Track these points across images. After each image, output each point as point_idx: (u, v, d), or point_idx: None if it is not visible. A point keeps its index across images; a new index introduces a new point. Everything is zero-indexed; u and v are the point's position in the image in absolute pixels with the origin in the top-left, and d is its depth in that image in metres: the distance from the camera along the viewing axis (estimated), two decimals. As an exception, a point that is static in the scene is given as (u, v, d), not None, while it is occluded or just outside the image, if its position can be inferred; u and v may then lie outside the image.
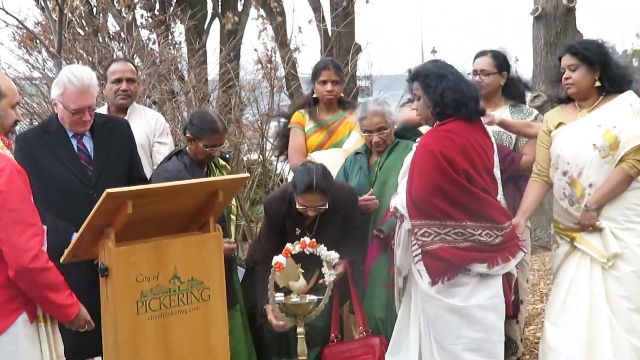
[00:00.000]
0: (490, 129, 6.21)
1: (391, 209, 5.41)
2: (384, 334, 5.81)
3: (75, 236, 4.86)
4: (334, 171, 6.23)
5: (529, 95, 6.81)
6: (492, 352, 5.22)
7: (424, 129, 6.04)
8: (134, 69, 6.83)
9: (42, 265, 4.08)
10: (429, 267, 5.09)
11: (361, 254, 5.96)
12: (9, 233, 4.01)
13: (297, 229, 5.98)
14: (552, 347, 5.45)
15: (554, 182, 5.64)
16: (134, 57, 10.55)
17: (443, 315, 5.14)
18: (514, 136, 6.41)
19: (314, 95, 6.77)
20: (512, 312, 6.11)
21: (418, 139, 5.60)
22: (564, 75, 5.55)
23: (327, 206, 5.79)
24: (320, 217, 5.87)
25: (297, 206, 5.82)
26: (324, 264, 5.69)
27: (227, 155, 6.51)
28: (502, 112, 6.52)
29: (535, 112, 6.59)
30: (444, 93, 5.18)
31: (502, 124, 6.16)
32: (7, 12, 10.45)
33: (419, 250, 5.15)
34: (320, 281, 5.81)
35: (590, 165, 5.39)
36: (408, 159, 5.33)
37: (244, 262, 6.61)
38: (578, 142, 5.46)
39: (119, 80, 6.64)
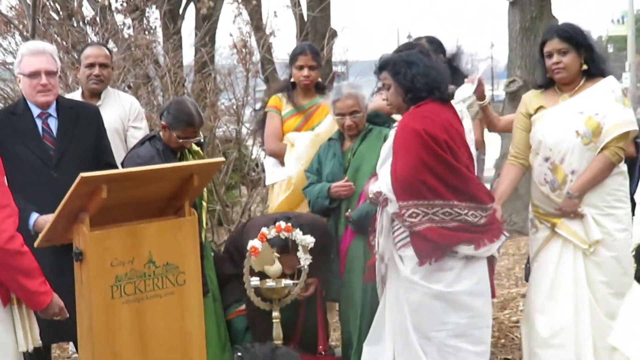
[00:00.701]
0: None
1: (370, 195, 5.39)
2: (359, 332, 5.82)
3: (36, 217, 4.88)
4: (309, 153, 6.26)
5: (503, 80, 6.82)
6: (478, 337, 5.22)
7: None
8: (108, 53, 6.80)
9: (16, 247, 4.05)
10: (417, 247, 5.07)
11: (329, 271, 5.99)
12: None
13: None
14: (543, 336, 5.45)
15: (534, 167, 5.65)
16: (109, 41, 10.50)
17: (427, 302, 5.11)
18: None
19: (292, 80, 6.76)
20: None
21: (393, 125, 5.62)
22: (553, 60, 5.52)
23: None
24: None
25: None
26: (300, 248, 5.68)
27: (201, 140, 6.48)
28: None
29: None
30: (415, 78, 5.17)
31: (486, 110, 6.19)
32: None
33: (403, 235, 5.15)
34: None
35: (572, 152, 5.42)
36: (387, 145, 5.31)
37: (219, 247, 6.61)
38: (560, 128, 5.47)
39: (91, 65, 6.61)
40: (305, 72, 6.64)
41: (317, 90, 6.80)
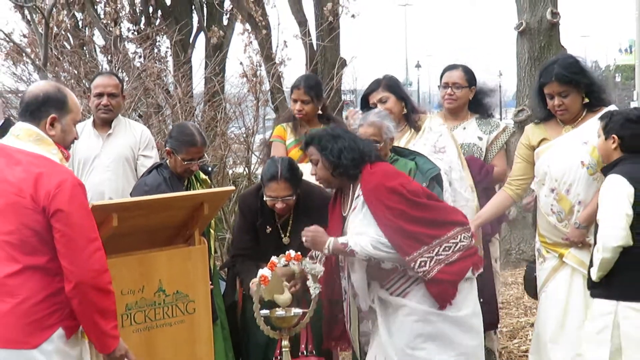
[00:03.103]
0: (460, 140, 6.33)
1: (327, 250, 5.35)
2: None
3: None
4: None
5: (512, 110, 6.87)
6: (481, 356, 5.26)
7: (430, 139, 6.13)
8: (117, 82, 6.83)
9: (104, 285, 4.06)
10: (435, 293, 5.07)
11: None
12: (71, 248, 3.98)
13: (268, 227, 6.00)
14: None
15: (540, 197, 5.67)
16: (120, 71, 10.56)
17: (442, 329, 5.10)
18: (483, 148, 6.52)
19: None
20: (492, 322, 6.20)
21: (416, 158, 5.66)
22: (555, 103, 5.54)
23: (294, 198, 5.80)
24: (293, 217, 5.88)
25: (265, 199, 5.83)
26: (309, 277, 5.68)
27: (210, 169, 6.51)
28: (469, 125, 6.63)
29: (502, 124, 6.73)
30: (342, 153, 5.17)
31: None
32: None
33: (405, 286, 5.14)
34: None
35: (578, 183, 5.45)
36: (361, 210, 5.26)
37: (226, 275, 6.62)
38: (565, 159, 5.49)
39: (100, 95, 6.66)
40: (298, 106, 6.68)
41: (321, 120, 6.82)
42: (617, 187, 4.97)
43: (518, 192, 5.82)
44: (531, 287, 6.03)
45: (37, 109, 4.19)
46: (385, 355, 5.18)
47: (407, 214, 5.01)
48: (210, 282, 5.63)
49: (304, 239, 5.39)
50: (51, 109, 4.20)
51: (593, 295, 5.10)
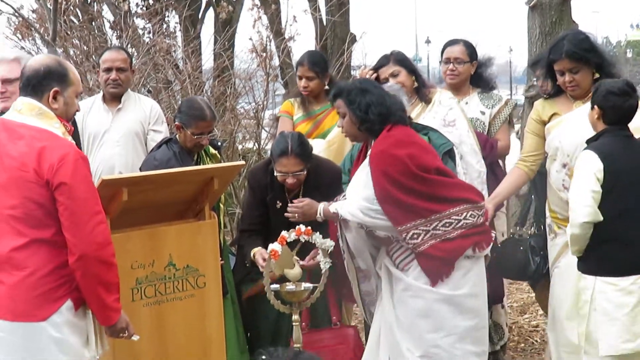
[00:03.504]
0: (466, 114, 6.30)
1: (320, 215, 5.33)
2: None
3: None
4: None
5: (523, 86, 6.85)
6: (480, 338, 5.20)
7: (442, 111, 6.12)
8: (126, 57, 6.82)
9: (107, 257, 4.08)
10: (425, 268, 5.03)
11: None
12: (74, 221, 3.99)
13: (278, 202, 5.99)
14: (574, 342, 5.40)
15: (551, 173, 5.64)
16: (129, 46, 10.54)
17: (435, 307, 5.04)
18: (486, 123, 6.52)
19: None
20: (498, 295, 6.19)
21: (429, 133, 5.63)
22: (566, 79, 5.51)
23: (304, 172, 5.79)
24: (303, 192, 5.86)
25: (275, 174, 5.83)
26: (320, 252, 5.68)
27: (219, 144, 6.50)
28: (471, 100, 6.62)
29: (505, 98, 6.70)
30: (369, 108, 5.13)
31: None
32: (2, 0, 10.46)
33: (404, 255, 5.11)
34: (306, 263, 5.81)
35: None
36: (364, 171, 5.23)
37: (235, 250, 6.62)
38: (577, 134, 5.45)
39: (109, 70, 6.67)
40: (303, 82, 6.65)
41: (328, 95, 6.80)
42: (587, 164, 4.96)
43: (533, 168, 5.78)
44: (507, 269, 6.02)
45: (39, 83, 4.19)
46: (389, 325, 5.16)
47: (406, 186, 4.96)
48: (221, 257, 5.64)
49: (290, 216, 5.39)
50: (53, 83, 4.21)
51: (578, 269, 5.11)
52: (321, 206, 5.24)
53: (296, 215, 5.38)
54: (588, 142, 5.11)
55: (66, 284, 4.08)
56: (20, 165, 4.02)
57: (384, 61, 6.38)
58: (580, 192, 4.95)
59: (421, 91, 6.30)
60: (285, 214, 5.48)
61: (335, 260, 5.57)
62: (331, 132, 6.57)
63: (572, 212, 4.98)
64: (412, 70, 6.32)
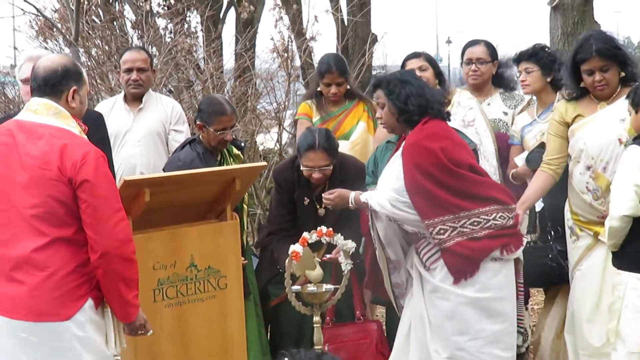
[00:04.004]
0: (487, 116, 6.29)
1: (352, 204, 5.32)
2: None
3: None
4: None
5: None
6: (509, 342, 5.15)
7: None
8: (147, 57, 6.82)
9: (128, 254, 4.10)
10: (449, 265, 5.00)
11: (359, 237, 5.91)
12: (97, 218, 4.02)
13: (305, 199, 5.99)
14: (595, 345, 5.39)
15: (574, 175, 5.60)
16: (150, 46, 10.56)
17: (461, 310, 4.99)
18: (509, 123, 6.50)
19: (319, 89, 6.78)
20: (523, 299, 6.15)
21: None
22: (596, 78, 5.45)
23: (331, 167, 5.80)
24: (329, 188, 5.85)
25: (302, 169, 5.82)
26: (341, 253, 5.68)
27: (242, 144, 6.50)
28: (493, 100, 6.60)
29: (527, 97, 6.66)
30: (408, 99, 5.10)
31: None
32: (25, 0, 10.48)
33: (432, 252, 5.08)
34: (324, 258, 5.80)
35: (616, 160, 5.34)
36: (396, 162, 5.21)
37: (259, 252, 6.62)
38: (602, 136, 5.42)
39: (129, 70, 6.66)
40: (333, 89, 6.64)
41: (346, 95, 6.79)
42: (632, 157, 4.94)
43: (558, 171, 5.72)
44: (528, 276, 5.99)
45: (58, 83, 4.22)
46: (421, 322, 5.13)
47: (437, 179, 4.93)
48: (243, 258, 5.63)
49: (328, 206, 5.39)
50: (71, 82, 4.24)
51: (613, 264, 5.07)
52: (352, 195, 5.24)
53: (331, 197, 5.37)
54: (635, 139, 5.09)
55: (87, 282, 4.09)
56: (43, 164, 4.04)
57: (416, 55, 6.46)
58: (623, 186, 4.90)
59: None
60: (324, 196, 5.45)
61: (362, 258, 5.58)
62: (354, 133, 6.58)
63: (612, 204, 4.93)
64: (439, 73, 6.37)
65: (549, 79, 6.23)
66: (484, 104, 6.56)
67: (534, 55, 6.23)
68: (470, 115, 6.24)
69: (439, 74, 6.38)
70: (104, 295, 4.14)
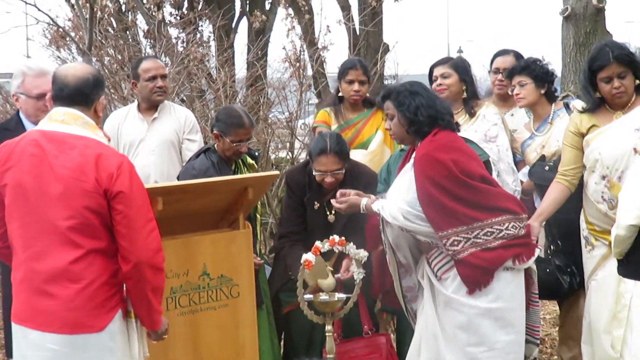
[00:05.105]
0: (510, 126, 6.31)
1: (364, 210, 5.32)
2: None
3: None
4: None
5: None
6: (520, 353, 5.14)
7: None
8: (164, 65, 6.87)
9: (159, 263, 4.13)
10: (463, 276, 4.99)
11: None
12: (131, 229, 4.03)
13: (316, 203, 6.00)
14: (613, 355, 5.37)
15: (589, 185, 5.59)
16: (163, 55, 10.59)
17: (476, 322, 4.97)
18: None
19: (340, 94, 6.77)
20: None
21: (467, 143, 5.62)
22: (615, 85, 5.45)
23: (342, 171, 5.83)
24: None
25: (314, 174, 5.84)
26: (353, 262, 5.69)
27: (256, 154, 6.52)
28: (518, 111, 6.63)
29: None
30: (418, 110, 5.08)
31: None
32: (39, 9, 10.52)
33: (443, 262, 5.07)
34: (342, 276, 5.80)
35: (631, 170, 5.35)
36: (408, 175, 5.20)
37: (271, 259, 6.63)
38: (617, 145, 5.42)
39: (154, 78, 6.68)
40: (356, 86, 6.62)
41: (365, 104, 6.79)
42: None
43: (574, 182, 5.70)
44: None
45: (91, 92, 4.23)
46: (432, 335, 5.13)
47: (449, 190, 4.91)
48: (256, 257, 5.66)
49: (337, 206, 5.38)
50: (100, 91, 4.28)
51: (618, 272, 5.06)
52: (365, 201, 5.23)
53: (342, 206, 5.37)
54: None
55: (118, 293, 4.13)
56: (78, 175, 4.02)
57: (443, 61, 6.52)
58: (631, 195, 4.85)
59: (469, 103, 6.33)
60: (333, 202, 5.45)
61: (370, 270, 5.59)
62: (372, 142, 6.58)
63: (620, 213, 4.88)
64: (464, 78, 6.35)
65: (543, 91, 6.24)
66: (507, 115, 6.57)
67: (527, 68, 6.24)
68: (494, 131, 6.23)
69: (464, 80, 6.36)
70: (132, 304, 4.16)
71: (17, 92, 5.53)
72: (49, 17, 11.11)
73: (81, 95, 4.20)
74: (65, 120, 4.16)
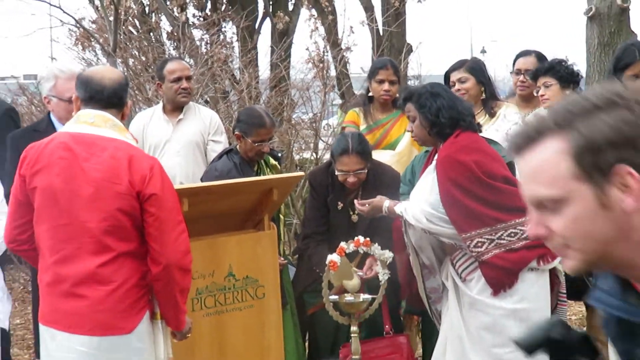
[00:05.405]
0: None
1: (386, 211, 5.31)
2: None
3: None
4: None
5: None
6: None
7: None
8: (189, 67, 6.89)
9: (188, 265, 4.15)
10: (488, 277, 4.98)
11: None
12: (162, 231, 4.05)
13: (339, 203, 6.00)
14: None
15: None
16: (187, 56, 10.62)
17: (501, 322, 4.96)
18: None
19: (369, 94, 6.76)
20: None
21: (491, 144, 5.60)
22: None
23: (365, 171, 5.80)
24: (362, 195, 5.85)
25: (337, 174, 5.85)
26: (378, 263, 5.68)
27: (279, 154, 6.53)
28: (540, 112, 6.58)
29: None
30: (440, 112, 5.06)
31: None
32: (64, 12, 10.57)
33: (467, 263, 5.06)
34: (365, 274, 5.80)
35: None
36: (430, 176, 5.19)
37: (295, 260, 6.64)
38: None
39: (179, 79, 6.70)
40: (386, 86, 6.60)
41: (394, 104, 6.78)
42: None
43: None
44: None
45: (124, 95, 4.27)
46: (457, 337, 5.11)
47: (472, 192, 4.90)
48: (281, 258, 5.68)
49: (360, 208, 5.37)
50: (127, 95, 4.31)
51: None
52: (387, 203, 5.23)
53: (365, 208, 5.37)
54: None
55: (146, 294, 4.14)
56: (111, 177, 4.03)
57: (457, 65, 6.47)
58: None
59: (488, 103, 6.31)
60: (355, 203, 5.45)
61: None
62: (400, 144, 6.56)
63: None
64: (481, 80, 6.34)
65: (568, 92, 6.21)
66: (530, 116, 6.55)
67: (551, 69, 6.21)
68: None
69: (481, 82, 6.35)
70: (159, 305, 4.18)
71: (49, 94, 5.54)
72: (74, 19, 11.15)
73: (117, 98, 4.22)
74: (94, 123, 4.16)
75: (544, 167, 1.82)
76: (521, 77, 6.66)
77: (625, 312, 1.88)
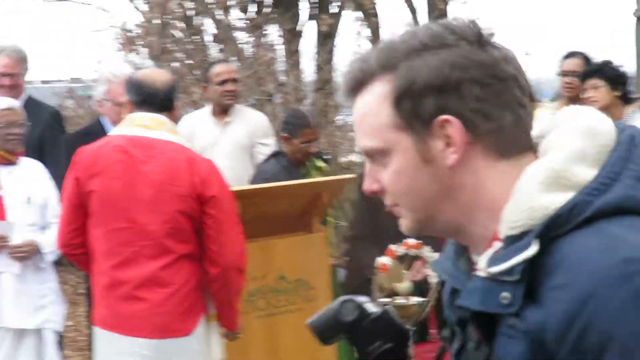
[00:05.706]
0: None
1: None
2: None
3: None
4: None
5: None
6: None
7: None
8: (235, 69, 6.90)
9: (244, 266, 4.19)
10: None
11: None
12: (222, 232, 4.08)
13: None
14: None
15: None
16: (233, 59, 10.63)
17: None
18: None
19: None
20: None
21: None
22: None
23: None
24: None
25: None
26: (428, 265, 5.64)
27: (326, 157, 6.52)
28: None
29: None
30: None
31: None
32: (111, 16, 10.65)
33: None
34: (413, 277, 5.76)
35: None
36: None
37: (344, 263, 6.61)
38: None
39: (224, 82, 6.70)
40: None
41: None
42: None
43: None
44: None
45: (175, 98, 4.29)
46: None
47: None
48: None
49: None
50: (177, 97, 4.31)
51: None
52: None
53: None
54: None
55: (203, 296, 4.16)
56: (171, 180, 4.05)
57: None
58: None
59: None
60: None
61: None
62: None
63: None
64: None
65: (617, 94, 6.15)
66: None
67: (600, 70, 6.16)
68: None
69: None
70: (216, 307, 4.20)
71: (103, 98, 5.57)
72: (121, 23, 11.22)
73: (169, 101, 4.24)
74: (149, 126, 4.17)
75: (367, 114, 1.61)
76: (567, 79, 6.60)
77: (451, 277, 1.70)
